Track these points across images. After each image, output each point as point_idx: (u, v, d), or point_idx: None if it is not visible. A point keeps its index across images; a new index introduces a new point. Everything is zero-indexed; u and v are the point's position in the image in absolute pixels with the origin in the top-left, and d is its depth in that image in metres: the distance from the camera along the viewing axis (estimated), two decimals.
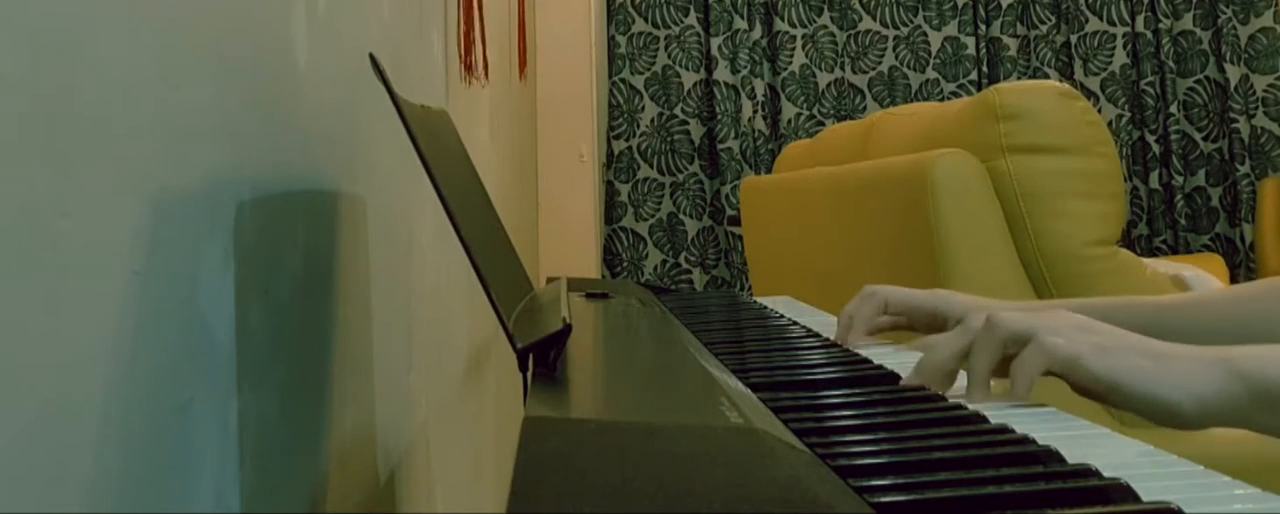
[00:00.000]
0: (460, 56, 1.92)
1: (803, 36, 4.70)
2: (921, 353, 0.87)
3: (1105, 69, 4.68)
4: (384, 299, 1.19)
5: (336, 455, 0.96)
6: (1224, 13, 4.62)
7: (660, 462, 0.48)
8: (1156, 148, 4.64)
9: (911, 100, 4.66)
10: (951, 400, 0.76)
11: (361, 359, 1.09)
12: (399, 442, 1.26)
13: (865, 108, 4.69)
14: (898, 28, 4.73)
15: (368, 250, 1.13)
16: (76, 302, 0.52)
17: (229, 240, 0.72)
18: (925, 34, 4.73)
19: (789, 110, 4.67)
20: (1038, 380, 0.78)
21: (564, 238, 4.46)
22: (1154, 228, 4.63)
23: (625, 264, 4.62)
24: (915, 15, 4.73)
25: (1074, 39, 4.70)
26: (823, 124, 4.64)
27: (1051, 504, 0.51)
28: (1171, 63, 4.66)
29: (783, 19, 4.69)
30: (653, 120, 4.65)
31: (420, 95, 1.44)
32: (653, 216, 4.64)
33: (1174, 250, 4.61)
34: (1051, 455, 0.58)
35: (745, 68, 4.63)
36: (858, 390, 0.80)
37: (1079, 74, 4.68)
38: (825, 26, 4.71)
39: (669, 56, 4.66)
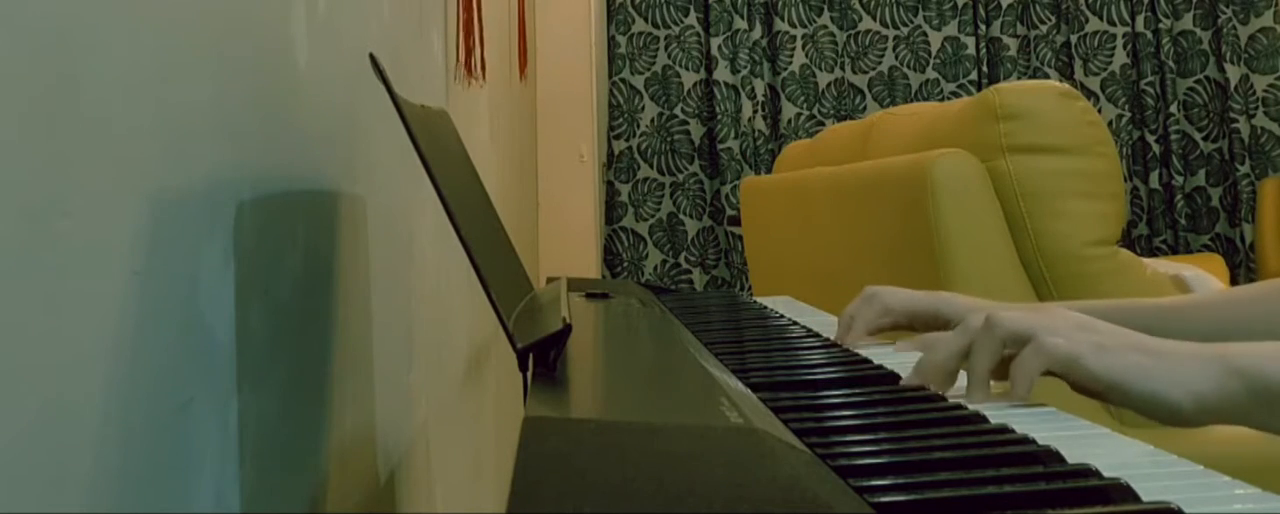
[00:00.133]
0: (460, 57, 1.92)
1: (803, 36, 4.70)
2: (921, 353, 0.87)
3: (1105, 69, 4.68)
4: (384, 299, 1.19)
5: (336, 455, 0.96)
6: (1224, 13, 4.62)
7: (660, 462, 0.48)
8: (1156, 148, 4.64)
9: (911, 100, 4.66)
10: (951, 400, 0.76)
11: (361, 359, 1.09)
12: (399, 442, 1.26)
13: (865, 108, 4.69)
14: (898, 28, 4.73)
15: (368, 250, 1.13)
16: (76, 302, 0.52)
17: (229, 240, 0.72)
18: (925, 34, 4.73)
19: (789, 110, 4.67)
20: (1037, 380, 0.78)
21: (564, 238, 4.46)
22: (1154, 228, 4.63)
23: (625, 264, 4.62)
24: (915, 15, 4.73)
25: (1074, 39, 4.70)
26: (823, 124, 4.64)
27: (1051, 504, 0.51)
28: (1171, 63, 4.66)
29: (783, 19, 4.69)
30: (653, 120, 4.65)
31: (420, 95, 1.44)
32: (653, 217, 4.64)
33: (1174, 250, 4.61)
34: (1051, 455, 0.58)
35: (745, 68, 4.63)
36: (858, 390, 0.80)
37: (1079, 74, 4.68)
38: (825, 26, 4.71)
39: (669, 56, 4.66)
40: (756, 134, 4.65)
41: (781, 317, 1.27)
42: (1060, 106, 1.78)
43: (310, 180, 0.93)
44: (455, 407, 1.76)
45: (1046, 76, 4.67)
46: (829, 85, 4.70)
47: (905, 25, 4.73)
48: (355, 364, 1.05)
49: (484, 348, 2.17)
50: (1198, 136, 4.66)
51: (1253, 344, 0.75)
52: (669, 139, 4.66)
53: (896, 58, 4.73)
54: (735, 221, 4.42)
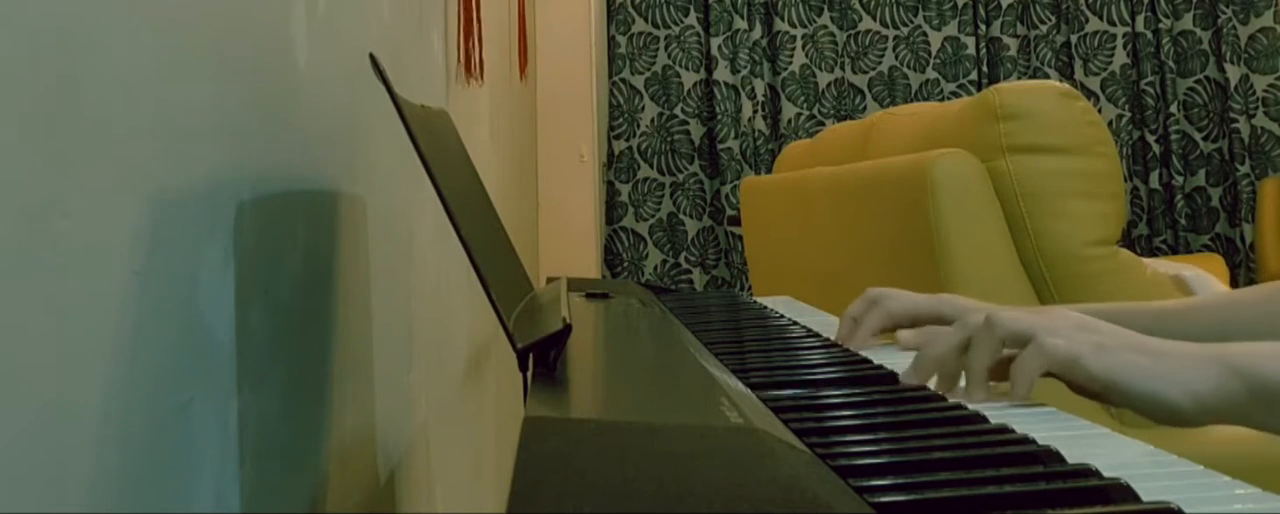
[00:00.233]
0: (460, 57, 1.93)
1: (803, 36, 4.70)
2: (922, 344, 0.87)
3: (1105, 69, 4.68)
4: (384, 299, 1.19)
5: (336, 455, 0.96)
6: (1224, 13, 4.62)
7: (660, 462, 0.48)
8: (1156, 148, 4.64)
9: (911, 100, 4.66)
10: (951, 400, 0.76)
11: (361, 359, 1.09)
12: (399, 442, 1.26)
13: (865, 108, 4.69)
14: (898, 28, 4.73)
15: (368, 250, 1.13)
16: (76, 302, 0.52)
17: (229, 240, 0.72)
18: (925, 34, 4.73)
19: (789, 110, 4.67)
20: (1037, 381, 0.78)
21: (564, 238, 4.46)
22: (1154, 228, 4.63)
23: (625, 264, 4.62)
24: (915, 15, 4.73)
25: (1074, 39, 4.70)
26: (823, 124, 4.64)
27: (1051, 504, 0.51)
28: (1171, 63, 4.66)
29: (783, 19, 4.69)
30: (653, 120, 4.65)
31: (420, 95, 1.44)
32: (653, 216, 4.64)
33: (1174, 250, 4.61)
34: (1051, 455, 0.58)
35: (745, 68, 4.63)
36: (858, 390, 0.80)
37: (1079, 74, 4.68)
38: (825, 26, 4.72)
39: (669, 56, 4.66)
40: (756, 134, 4.65)
41: (781, 317, 1.27)
42: (1060, 106, 1.78)
43: (310, 180, 0.93)
44: (455, 407, 1.76)
45: (1046, 76, 4.67)
46: (829, 85, 4.70)
47: (905, 25, 4.73)
48: (355, 364, 1.05)
49: (484, 348, 2.17)
50: (1198, 136, 4.66)
51: (1252, 344, 0.75)
52: (669, 139, 4.66)
53: (896, 58, 4.73)
54: (735, 221, 4.42)
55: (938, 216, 1.78)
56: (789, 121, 4.66)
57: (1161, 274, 1.94)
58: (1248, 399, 0.72)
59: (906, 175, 1.87)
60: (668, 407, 0.67)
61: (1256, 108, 4.59)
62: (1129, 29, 4.68)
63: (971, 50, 4.71)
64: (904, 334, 1.03)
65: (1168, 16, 4.67)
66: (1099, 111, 2.75)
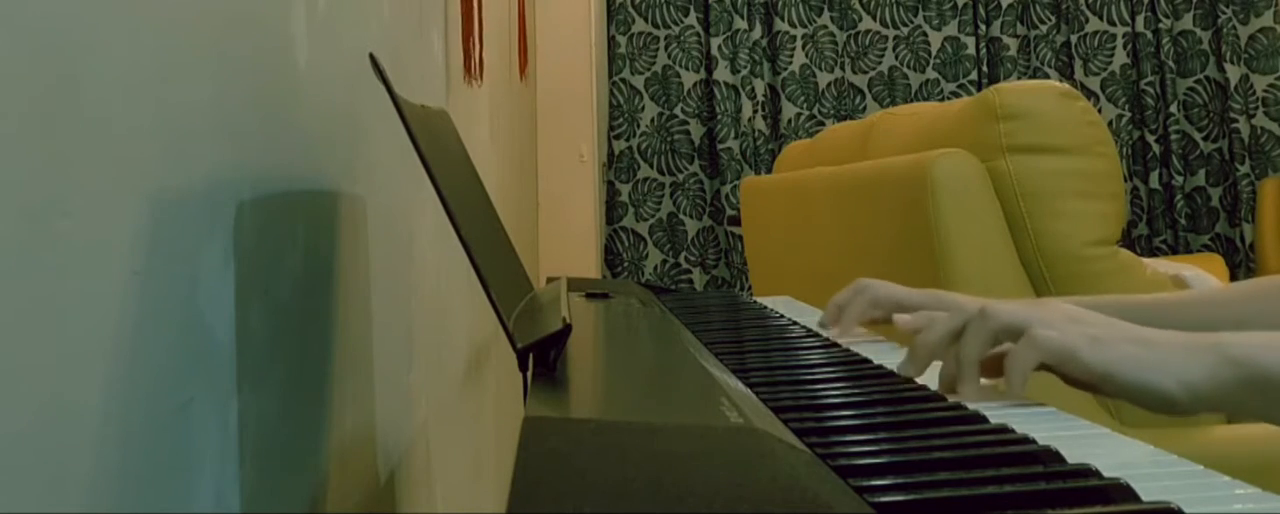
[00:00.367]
0: (460, 57, 1.92)
1: (803, 36, 4.70)
2: (919, 327, 0.87)
3: (1105, 69, 4.68)
4: (384, 299, 1.19)
5: (336, 455, 0.96)
6: (1224, 13, 4.62)
7: (660, 462, 0.48)
8: (1156, 148, 4.64)
9: (911, 100, 4.66)
10: (951, 400, 0.76)
11: (361, 359, 1.09)
12: (399, 442, 1.26)
13: (865, 108, 4.69)
14: (898, 28, 4.73)
15: (368, 250, 1.13)
16: (76, 302, 0.52)
17: (229, 240, 0.72)
18: (925, 34, 4.73)
19: (789, 110, 4.67)
20: (1031, 374, 0.78)
21: (564, 238, 4.46)
22: (1154, 228, 4.63)
23: (625, 264, 4.62)
24: (915, 15, 4.73)
25: (1074, 39, 4.70)
26: (823, 124, 4.64)
27: (1051, 504, 0.51)
28: (1171, 63, 4.66)
29: (783, 19, 4.69)
30: (653, 120, 4.65)
31: (420, 95, 1.44)
32: (653, 216, 4.64)
33: (1174, 250, 4.61)
34: (1051, 455, 0.58)
35: (745, 68, 4.63)
36: (858, 390, 0.80)
37: (1079, 74, 4.68)
38: (825, 26, 4.71)
39: (669, 56, 4.66)
40: (756, 134, 4.65)
41: (781, 316, 1.27)
42: (1060, 106, 1.78)
43: (310, 180, 0.93)
44: (455, 407, 1.76)
45: (1046, 76, 4.67)
46: (829, 85, 4.70)
47: (905, 25, 4.73)
48: (355, 364, 1.05)
49: (484, 348, 2.17)
50: (1198, 136, 4.66)
51: (1246, 334, 0.75)
52: (669, 139, 4.66)
53: (896, 58, 4.73)
54: (735, 221, 4.42)
55: (938, 216, 1.78)
56: (789, 121, 4.66)
57: (1161, 274, 1.94)
58: (1242, 389, 0.72)
59: (906, 175, 1.87)
60: (667, 407, 0.67)
61: (1256, 108, 4.59)
62: (1129, 29, 4.68)
63: (971, 50, 4.71)
64: (901, 317, 1.03)
65: (1168, 16, 4.67)
66: (1099, 111, 2.75)
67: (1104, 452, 0.61)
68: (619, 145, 4.64)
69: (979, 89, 4.65)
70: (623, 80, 4.65)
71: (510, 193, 3.05)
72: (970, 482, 0.54)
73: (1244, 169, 4.56)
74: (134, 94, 0.59)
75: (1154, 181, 4.63)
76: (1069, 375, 0.77)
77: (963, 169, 1.79)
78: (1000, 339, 0.81)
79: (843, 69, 4.72)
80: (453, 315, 1.75)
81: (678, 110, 4.66)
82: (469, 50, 1.98)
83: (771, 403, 0.73)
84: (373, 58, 0.79)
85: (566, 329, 0.71)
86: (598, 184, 4.60)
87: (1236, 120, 4.57)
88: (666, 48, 4.66)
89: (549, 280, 1.32)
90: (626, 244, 4.63)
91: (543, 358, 0.71)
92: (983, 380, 0.82)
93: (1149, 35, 4.66)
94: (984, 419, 0.68)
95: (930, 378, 0.85)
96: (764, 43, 4.71)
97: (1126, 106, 4.67)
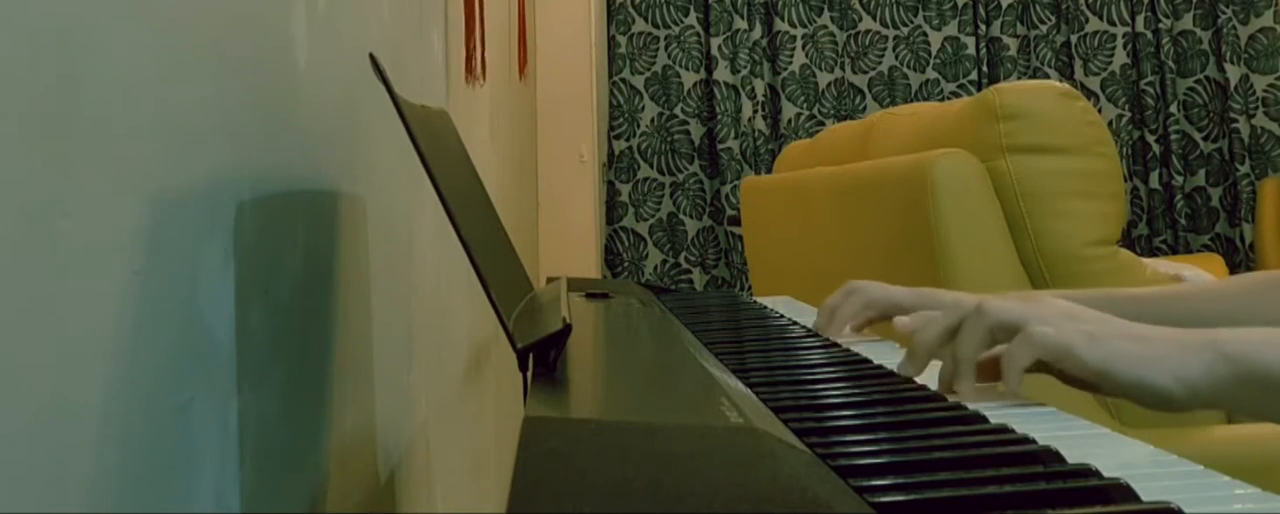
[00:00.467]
0: (460, 57, 1.92)
1: (803, 36, 4.70)
2: (914, 328, 0.87)
3: (1105, 69, 4.68)
4: (384, 299, 1.19)
5: (336, 455, 0.96)
6: (1224, 13, 4.62)
7: (660, 462, 0.48)
8: (1156, 148, 4.64)
9: (911, 100, 4.66)
10: (951, 400, 0.76)
11: (361, 359, 1.09)
12: (399, 442, 1.26)
13: (865, 108, 4.69)
14: (898, 28, 4.73)
15: (368, 250, 1.13)
16: (76, 302, 0.52)
17: (229, 240, 0.72)
18: (925, 34, 4.73)
19: (789, 110, 4.67)
20: (1025, 375, 0.78)
21: (564, 238, 4.46)
22: (1154, 228, 4.63)
23: (625, 264, 4.62)
24: (915, 15, 4.73)
25: (1074, 39, 4.70)
26: (823, 124, 4.64)
27: (1051, 504, 0.51)
28: (1171, 63, 4.66)
29: (783, 19, 4.69)
30: (653, 120, 4.65)
31: (420, 95, 1.44)
32: (653, 216, 4.64)
33: (1174, 250, 4.61)
34: (1051, 455, 0.58)
35: (745, 68, 4.63)
36: (858, 390, 0.80)
37: (1079, 74, 4.68)
38: (825, 26, 4.71)
39: (669, 56, 4.66)
40: (756, 134, 4.65)
41: (781, 316, 1.27)
42: (1060, 106, 1.78)
43: (310, 180, 0.93)
44: (455, 407, 1.76)
45: (1046, 76, 4.67)
46: (829, 85, 4.70)
47: (905, 25, 4.73)
48: (355, 364, 1.05)
49: (484, 348, 2.17)
50: (1198, 136, 4.66)
51: (1242, 330, 0.75)
52: (669, 139, 4.66)
53: (896, 58, 4.73)
54: (735, 221, 4.42)
55: (938, 216, 1.78)
56: (789, 121, 4.66)
57: (1161, 274, 1.94)
58: (1238, 385, 0.72)
59: (906, 175, 1.87)
60: (667, 407, 0.67)
61: (1256, 108, 4.59)
62: (1129, 29, 4.68)
63: (971, 50, 4.71)
64: (900, 320, 1.04)
65: (1168, 16, 4.67)
66: (1099, 111, 2.75)
67: (1104, 452, 0.61)
68: (619, 145, 4.64)
69: (979, 89, 4.65)
70: (623, 80, 4.65)
71: (510, 193, 3.05)
72: (970, 482, 0.54)
73: (1244, 169, 4.56)
74: (134, 94, 0.59)
75: (1154, 181, 4.63)
76: (1065, 372, 0.77)
77: (963, 169, 1.79)
78: (996, 336, 0.80)
79: (843, 69, 4.72)
80: (453, 315, 1.75)
81: (678, 110, 4.66)
82: (469, 50, 1.98)
83: (771, 403, 0.73)
84: (373, 58, 0.79)
85: (566, 329, 0.71)
86: (598, 184, 4.60)
87: (1236, 120, 4.57)
88: (666, 48, 4.66)
89: (549, 280, 1.32)
90: (626, 244, 4.63)
91: (543, 358, 0.71)
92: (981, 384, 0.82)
93: (1149, 35, 4.66)
94: (984, 419, 0.68)
95: (930, 378, 0.85)
96: (764, 43, 4.71)
97: (1126, 106, 4.67)
